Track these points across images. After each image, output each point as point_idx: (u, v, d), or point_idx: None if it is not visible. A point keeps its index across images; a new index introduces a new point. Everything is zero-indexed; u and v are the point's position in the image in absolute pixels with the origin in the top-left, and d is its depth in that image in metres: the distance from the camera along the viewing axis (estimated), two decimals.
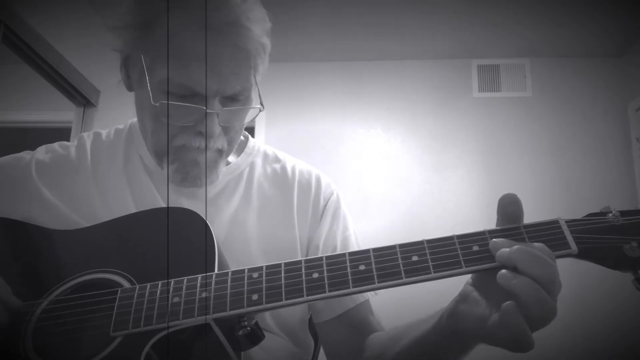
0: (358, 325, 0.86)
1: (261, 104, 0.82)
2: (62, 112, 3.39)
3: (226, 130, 0.82)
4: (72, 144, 0.92)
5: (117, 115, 3.24)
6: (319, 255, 0.63)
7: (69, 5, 2.99)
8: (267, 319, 0.83)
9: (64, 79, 2.95)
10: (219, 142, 0.81)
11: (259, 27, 0.79)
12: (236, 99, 0.79)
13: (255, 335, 0.63)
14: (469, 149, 3.59)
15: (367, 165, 3.61)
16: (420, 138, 3.64)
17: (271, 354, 0.80)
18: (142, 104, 0.82)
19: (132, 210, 0.82)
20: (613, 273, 0.60)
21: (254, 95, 0.82)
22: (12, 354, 0.64)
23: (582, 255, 0.58)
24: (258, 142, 0.99)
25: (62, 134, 3.15)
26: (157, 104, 0.75)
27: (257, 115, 0.83)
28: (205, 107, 0.76)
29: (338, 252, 0.87)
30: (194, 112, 0.76)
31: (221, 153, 0.83)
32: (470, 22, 3.32)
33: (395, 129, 3.67)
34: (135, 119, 0.95)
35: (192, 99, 0.75)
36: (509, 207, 0.61)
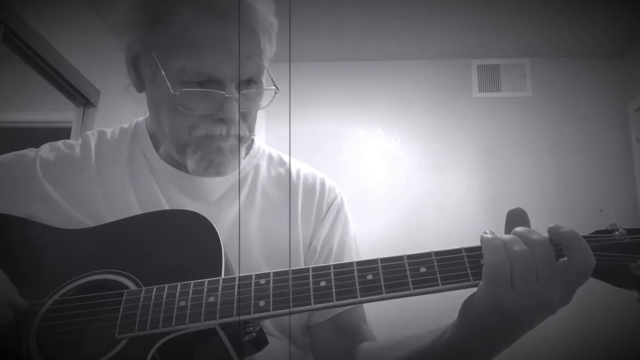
0: (348, 331, 0.85)
1: (275, 86, 0.83)
2: (62, 112, 3.39)
3: (244, 116, 0.82)
4: (76, 143, 0.92)
5: (117, 115, 3.26)
6: (326, 264, 0.63)
7: (69, 5, 2.99)
8: (267, 322, 0.82)
9: (64, 79, 2.95)
10: (240, 129, 0.81)
11: (265, 6, 0.80)
12: (251, 83, 0.80)
13: (260, 341, 0.63)
14: (469, 149, 3.59)
15: (367, 165, 3.61)
16: (420, 138, 3.64)
17: (272, 355, 0.79)
18: (157, 100, 0.82)
19: (135, 209, 0.82)
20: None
21: (267, 79, 0.83)
22: (15, 354, 0.63)
23: None
24: (263, 145, 0.99)
25: (62, 134, 3.15)
26: (177, 93, 0.76)
27: (273, 98, 0.83)
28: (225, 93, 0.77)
29: (333, 255, 0.87)
30: (212, 99, 0.77)
31: (242, 139, 0.83)
32: (470, 22, 3.32)
33: (395, 129, 3.67)
34: (140, 119, 0.95)
35: (208, 86, 0.76)
36: (517, 220, 0.62)
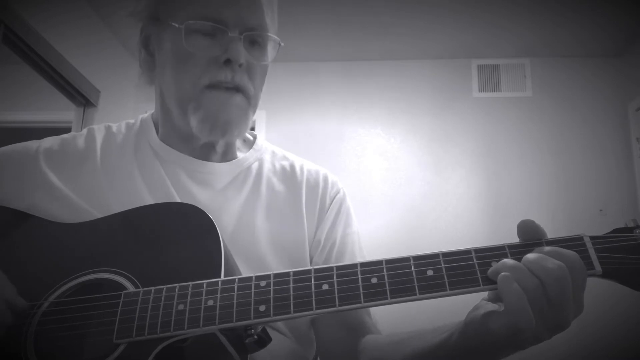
0: (352, 324, 0.84)
1: (279, 41, 0.85)
2: (62, 112, 3.39)
3: (250, 72, 0.82)
4: (81, 134, 0.92)
5: (117, 115, 3.25)
6: (328, 265, 0.61)
7: (68, 5, 2.99)
8: (278, 322, 0.81)
9: (64, 79, 2.95)
10: (245, 80, 0.80)
11: None
12: (254, 42, 0.82)
13: (263, 341, 0.61)
14: (468, 149, 3.59)
15: (367, 165, 3.61)
16: (420, 138, 3.64)
17: (274, 352, 0.79)
18: (164, 61, 0.83)
19: (144, 196, 0.81)
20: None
21: (270, 48, 0.85)
22: (14, 357, 0.63)
23: (605, 275, 0.56)
24: (266, 142, 0.99)
25: (62, 134, 3.15)
26: (182, 25, 0.78)
27: (277, 53, 0.85)
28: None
29: (336, 248, 0.86)
30: (218, 40, 0.78)
31: (249, 100, 0.82)
32: (470, 22, 3.32)
33: (395, 129, 3.67)
34: (145, 115, 0.95)
35: (214, 34, 0.78)
36: (529, 236, 0.58)
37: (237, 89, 0.80)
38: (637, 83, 3.43)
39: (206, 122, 0.80)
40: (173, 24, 0.79)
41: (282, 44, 0.84)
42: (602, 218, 3.26)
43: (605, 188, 3.42)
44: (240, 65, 0.79)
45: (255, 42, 0.82)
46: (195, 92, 0.79)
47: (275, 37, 0.84)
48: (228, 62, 0.78)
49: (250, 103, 0.83)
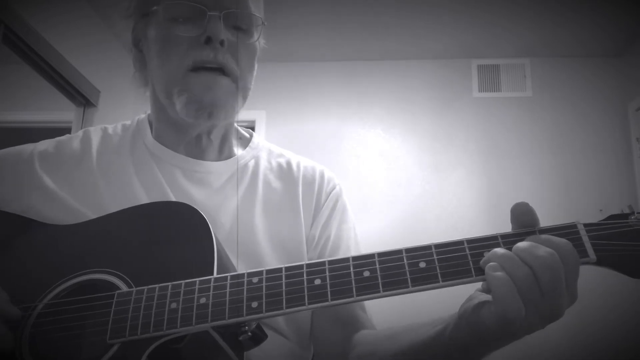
0: (346, 319, 0.84)
1: (263, 21, 0.84)
2: (62, 112, 3.39)
3: (234, 52, 0.81)
4: (76, 136, 0.92)
5: (117, 115, 3.26)
6: (321, 259, 0.60)
7: (68, 5, 2.99)
8: (281, 323, 0.82)
9: (64, 79, 2.95)
10: (228, 59, 0.80)
11: None
12: (238, 27, 0.81)
13: (258, 337, 0.61)
14: (468, 149, 3.59)
15: (367, 165, 3.61)
16: (420, 138, 3.64)
17: (272, 353, 0.79)
18: (151, 49, 0.84)
19: (140, 197, 0.81)
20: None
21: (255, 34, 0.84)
22: (9, 358, 0.62)
23: (600, 262, 0.55)
24: (263, 140, 0.99)
25: (62, 134, 3.15)
26: (160, 6, 0.79)
27: (260, 33, 0.84)
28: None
29: (331, 243, 0.86)
30: (199, 22, 0.78)
31: (236, 83, 0.81)
32: (470, 22, 3.32)
33: (395, 129, 3.67)
34: (142, 115, 0.95)
35: (195, 19, 0.79)
36: (522, 218, 0.58)
37: (222, 71, 0.80)
38: (637, 83, 3.43)
39: (191, 105, 0.79)
40: (154, 7, 0.80)
41: (266, 23, 0.84)
42: (602, 218, 3.25)
43: (605, 188, 3.42)
44: (221, 43, 0.78)
45: (239, 27, 0.82)
46: (179, 75, 0.79)
47: (257, 14, 0.83)
48: (209, 40, 0.78)
49: (239, 86, 0.82)
